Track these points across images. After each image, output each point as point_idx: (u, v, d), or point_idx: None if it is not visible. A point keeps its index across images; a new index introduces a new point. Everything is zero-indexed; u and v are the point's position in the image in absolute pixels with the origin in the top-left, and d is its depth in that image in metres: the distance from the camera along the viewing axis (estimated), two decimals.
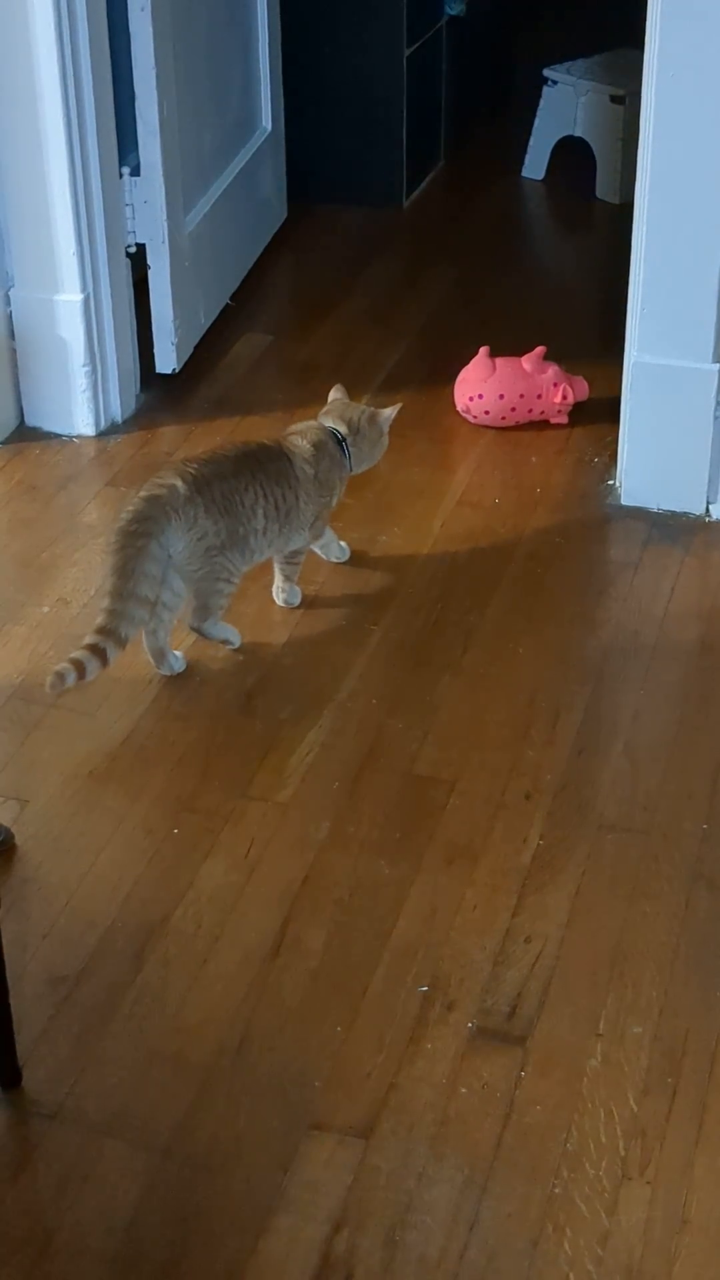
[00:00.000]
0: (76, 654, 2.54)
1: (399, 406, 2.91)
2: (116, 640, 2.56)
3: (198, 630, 2.72)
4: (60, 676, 2.52)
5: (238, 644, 2.76)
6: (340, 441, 2.84)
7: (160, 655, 2.68)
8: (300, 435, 2.81)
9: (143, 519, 2.59)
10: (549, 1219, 1.85)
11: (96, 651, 2.54)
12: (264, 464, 2.72)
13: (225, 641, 2.75)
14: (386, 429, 2.90)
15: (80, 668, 2.53)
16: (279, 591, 2.86)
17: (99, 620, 2.57)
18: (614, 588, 2.95)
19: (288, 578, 2.85)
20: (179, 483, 2.61)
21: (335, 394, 2.93)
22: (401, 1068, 2.03)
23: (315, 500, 2.78)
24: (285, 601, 2.86)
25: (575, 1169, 1.91)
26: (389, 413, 2.88)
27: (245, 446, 2.75)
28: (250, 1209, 1.87)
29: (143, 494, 2.62)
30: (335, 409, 2.89)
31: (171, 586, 2.65)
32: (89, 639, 2.55)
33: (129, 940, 2.21)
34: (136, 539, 2.57)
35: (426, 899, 2.27)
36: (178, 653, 2.71)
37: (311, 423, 2.87)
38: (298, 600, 2.86)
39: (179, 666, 2.70)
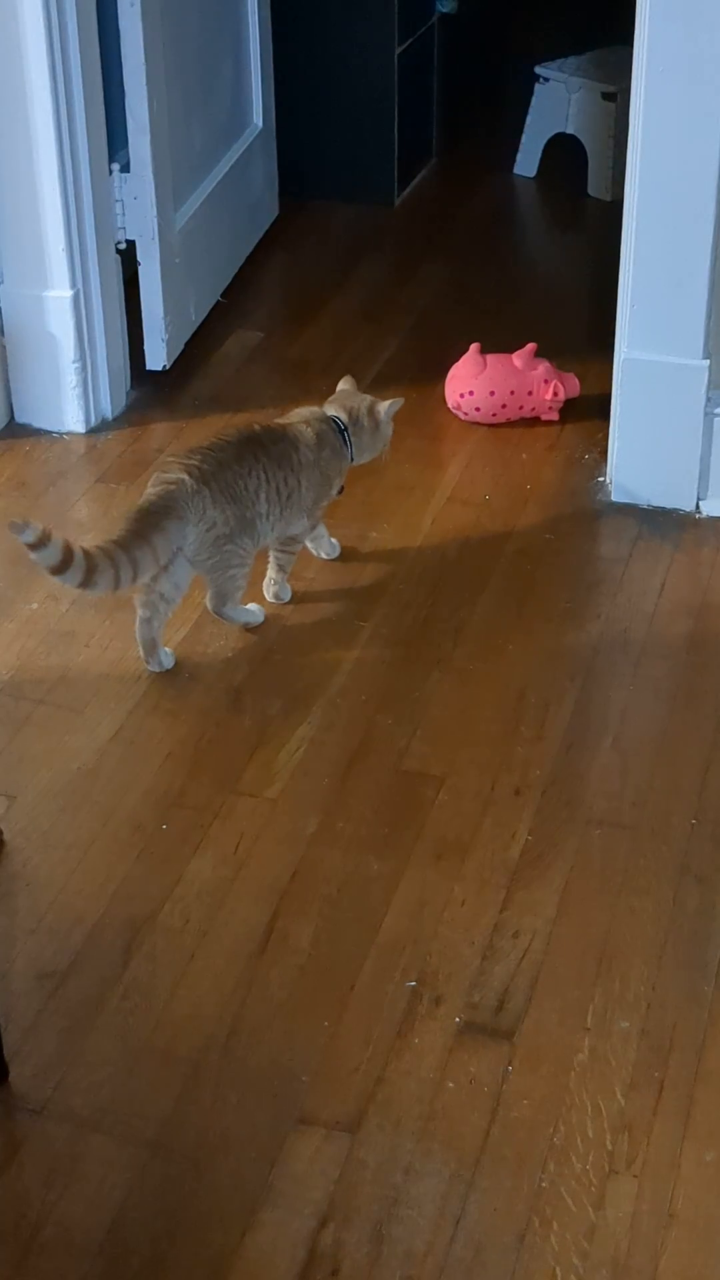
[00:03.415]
0: (58, 537, 2.46)
1: (400, 401, 2.92)
2: (89, 568, 2.47)
3: (219, 615, 2.74)
4: (25, 525, 2.42)
5: (261, 620, 2.79)
6: (341, 431, 2.85)
7: (151, 647, 2.68)
8: (305, 422, 2.82)
9: (163, 505, 2.60)
10: (535, 1213, 1.85)
11: (67, 554, 2.46)
12: (267, 447, 2.73)
13: (248, 624, 2.77)
14: (387, 420, 2.90)
15: (44, 539, 2.44)
16: (270, 584, 2.86)
17: (89, 546, 2.51)
18: (604, 584, 2.95)
19: (281, 568, 2.85)
20: (185, 477, 2.62)
21: (344, 385, 2.95)
22: (389, 1062, 2.03)
23: (315, 487, 2.80)
24: (275, 596, 2.86)
25: (562, 1163, 1.91)
26: (387, 404, 2.89)
27: (248, 430, 2.76)
28: (237, 1203, 1.87)
29: (152, 489, 2.63)
30: (340, 398, 2.91)
31: (174, 578, 2.66)
32: (73, 545, 2.49)
33: (117, 935, 2.21)
34: (152, 516, 2.58)
35: (415, 894, 2.27)
36: (167, 649, 2.71)
37: (315, 409, 2.88)
38: (288, 596, 2.86)
39: (168, 663, 2.70)
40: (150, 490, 2.63)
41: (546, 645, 2.77)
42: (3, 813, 2.41)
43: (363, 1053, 2.04)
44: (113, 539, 2.56)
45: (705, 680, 2.68)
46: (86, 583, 2.50)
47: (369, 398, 2.91)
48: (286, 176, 4.30)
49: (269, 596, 2.86)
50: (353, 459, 2.88)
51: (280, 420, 2.84)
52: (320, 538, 2.95)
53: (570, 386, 3.39)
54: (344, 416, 2.86)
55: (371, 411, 2.87)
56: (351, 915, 2.24)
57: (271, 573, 2.86)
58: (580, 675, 2.70)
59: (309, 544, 2.93)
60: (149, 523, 2.58)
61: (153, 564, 2.60)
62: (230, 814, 2.41)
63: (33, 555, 2.48)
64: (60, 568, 2.48)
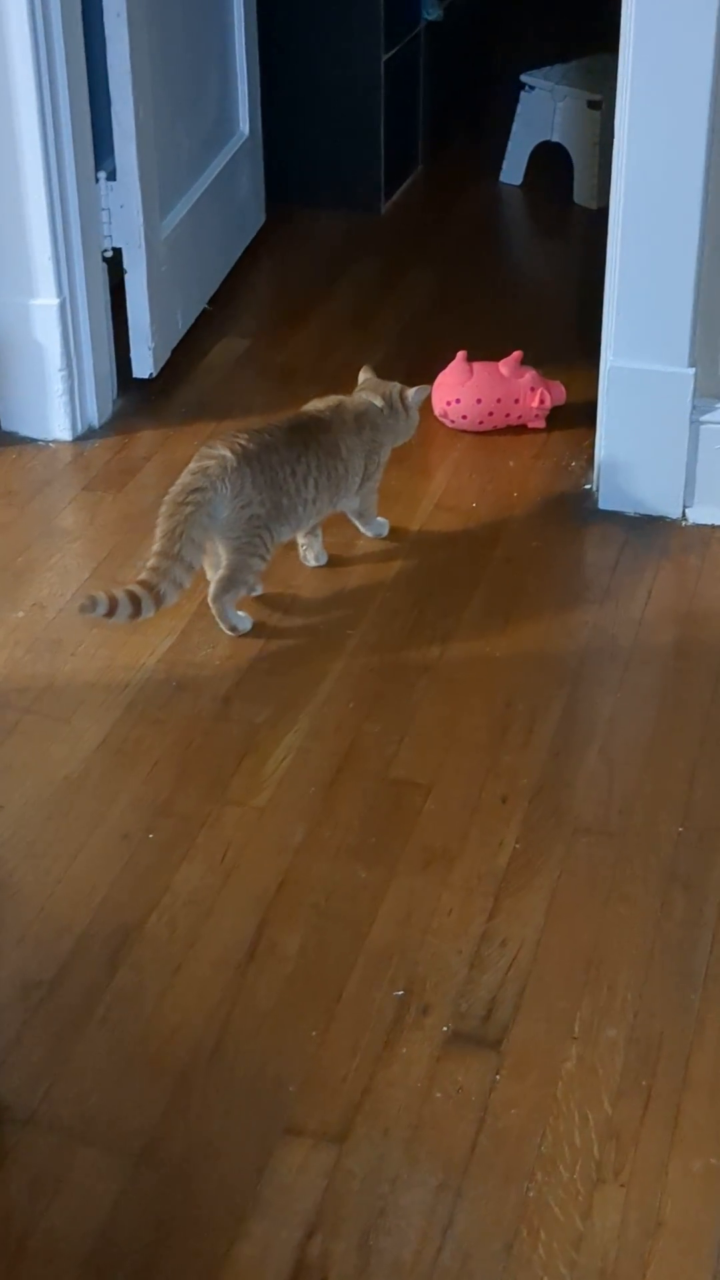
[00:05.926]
0: (116, 591, 2.60)
1: (427, 388, 3.01)
2: (155, 596, 2.62)
3: (215, 604, 2.77)
4: (93, 601, 2.59)
5: (248, 629, 2.80)
6: (379, 412, 2.94)
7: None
8: (346, 409, 2.89)
9: (193, 489, 2.66)
10: (523, 1222, 1.85)
11: (134, 599, 2.60)
12: (316, 435, 2.81)
13: (234, 628, 2.79)
14: (416, 407, 2.99)
15: (114, 604, 2.59)
16: (307, 553, 2.97)
17: (142, 574, 2.64)
18: (591, 591, 2.95)
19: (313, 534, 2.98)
20: (228, 453, 2.69)
21: (365, 374, 3.03)
22: (376, 1072, 2.02)
23: (361, 470, 2.89)
24: (315, 559, 2.97)
25: (549, 1172, 1.90)
26: (414, 391, 2.98)
27: (296, 419, 2.84)
28: (224, 1213, 1.86)
29: (193, 466, 2.70)
30: (369, 385, 2.99)
31: (216, 553, 2.74)
32: (129, 586, 2.61)
33: (104, 945, 2.20)
34: (185, 506, 2.65)
35: (402, 903, 2.27)
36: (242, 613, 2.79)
37: (349, 396, 2.95)
38: (325, 559, 2.98)
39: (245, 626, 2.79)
40: (191, 466, 2.70)
41: (533, 653, 2.77)
42: None
43: (350, 1062, 2.04)
44: (156, 549, 2.65)
45: (692, 687, 2.69)
46: (158, 605, 2.64)
47: (396, 384, 2.99)
48: (273, 184, 4.30)
49: (311, 560, 2.96)
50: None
51: (319, 406, 2.90)
52: (315, 540, 2.96)
53: (556, 394, 3.39)
54: (379, 401, 2.94)
55: (402, 396, 2.97)
56: (339, 924, 2.24)
57: (305, 539, 2.95)
58: (567, 682, 2.70)
59: (300, 541, 2.95)
60: (180, 516, 2.65)
61: (198, 553, 2.68)
62: (217, 823, 2.41)
63: (109, 621, 2.61)
64: (135, 613, 2.61)
